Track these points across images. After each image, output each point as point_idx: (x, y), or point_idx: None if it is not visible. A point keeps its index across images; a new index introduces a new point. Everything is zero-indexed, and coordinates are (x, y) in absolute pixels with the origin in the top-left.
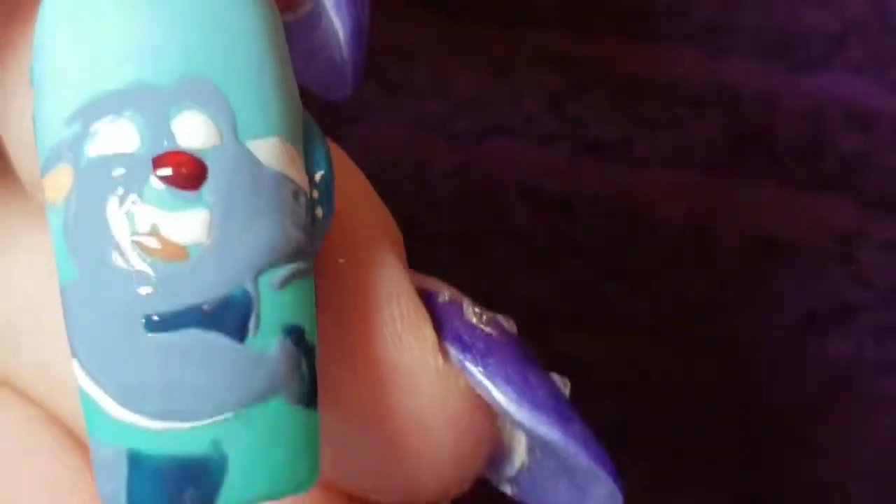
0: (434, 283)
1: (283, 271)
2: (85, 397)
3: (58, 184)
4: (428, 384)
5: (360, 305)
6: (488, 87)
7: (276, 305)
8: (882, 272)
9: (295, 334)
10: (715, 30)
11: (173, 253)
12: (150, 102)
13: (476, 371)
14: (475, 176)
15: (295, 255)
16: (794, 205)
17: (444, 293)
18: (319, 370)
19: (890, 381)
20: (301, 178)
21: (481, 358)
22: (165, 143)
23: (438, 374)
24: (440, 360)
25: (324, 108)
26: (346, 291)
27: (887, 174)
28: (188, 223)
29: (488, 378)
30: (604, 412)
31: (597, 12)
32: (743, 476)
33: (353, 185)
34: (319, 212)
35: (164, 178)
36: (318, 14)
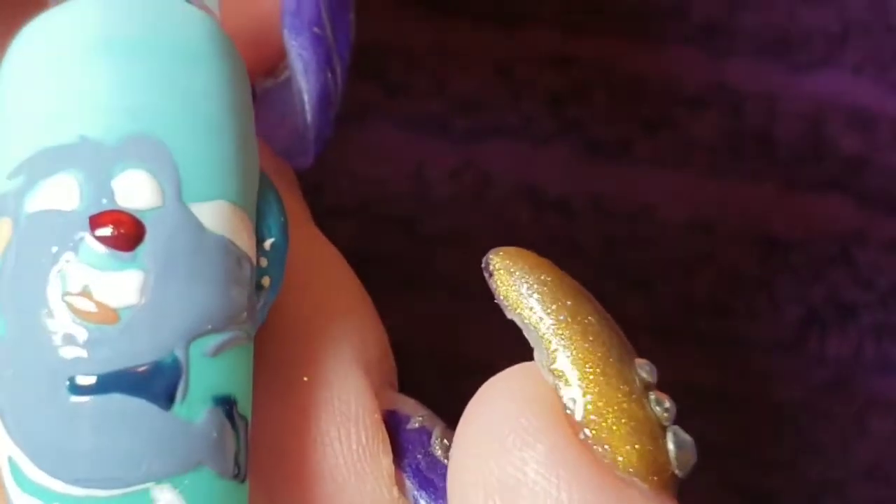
0: (408, 406)
1: (217, 339)
2: (5, 458)
3: None
4: None
5: (317, 428)
6: (488, 87)
7: (207, 374)
8: (882, 272)
9: (226, 405)
10: (715, 30)
11: (103, 316)
12: (93, 159)
13: None
14: (475, 176)
15: (233, 322)
16: (794, 205)
17: (416, 418)
18: (272, 488)
19: (890, 381)
20: (248, 245)
21: (436, 497)
22: (104, 201)
23: None
24: (395, 492)
25: None
26: (305, 411)
27: (887, 174)
28: (121, 285)
29: None
30: None
31: (597, 12)
32: (743, 475)
33: (337, 293)
34: (266, 280)
35: (100, 238)
36: (294, 80)
